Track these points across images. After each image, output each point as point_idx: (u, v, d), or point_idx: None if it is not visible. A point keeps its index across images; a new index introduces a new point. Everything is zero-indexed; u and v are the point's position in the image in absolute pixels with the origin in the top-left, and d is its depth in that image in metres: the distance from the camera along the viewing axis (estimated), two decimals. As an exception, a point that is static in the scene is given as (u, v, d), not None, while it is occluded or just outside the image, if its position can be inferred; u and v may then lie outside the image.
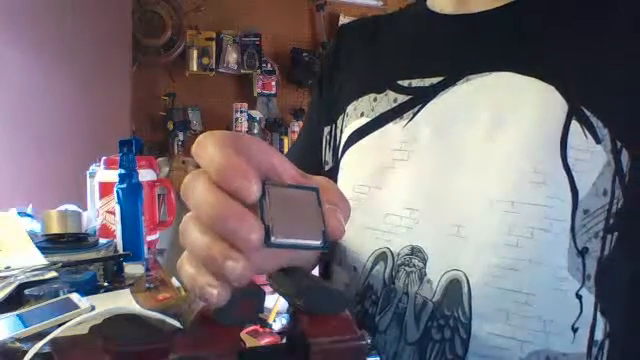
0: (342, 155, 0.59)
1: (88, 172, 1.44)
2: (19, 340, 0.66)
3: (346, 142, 0.59)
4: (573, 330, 0.44)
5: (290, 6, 3.35)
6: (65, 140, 2.26)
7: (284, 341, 0.35)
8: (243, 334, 0.32)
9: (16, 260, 0.97)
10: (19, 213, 1.31)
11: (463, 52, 0.53)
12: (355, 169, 0.57)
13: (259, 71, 3.21)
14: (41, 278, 0.91)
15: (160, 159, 2.69)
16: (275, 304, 2.81)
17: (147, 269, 1.10)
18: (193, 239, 0.29)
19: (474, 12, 0.54)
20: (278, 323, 2.84)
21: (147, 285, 1.01)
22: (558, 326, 0.44)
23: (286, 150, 3.29)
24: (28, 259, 0.98)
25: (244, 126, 3.10)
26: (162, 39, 2.97)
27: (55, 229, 1.13)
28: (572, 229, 0.44)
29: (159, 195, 1.43)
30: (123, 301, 0.89)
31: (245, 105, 3.12)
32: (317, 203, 0.31)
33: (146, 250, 1.20)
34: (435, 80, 0.53)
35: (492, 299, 0.45)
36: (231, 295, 0.29)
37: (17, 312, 0.75)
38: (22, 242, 1.05)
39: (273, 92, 3.28)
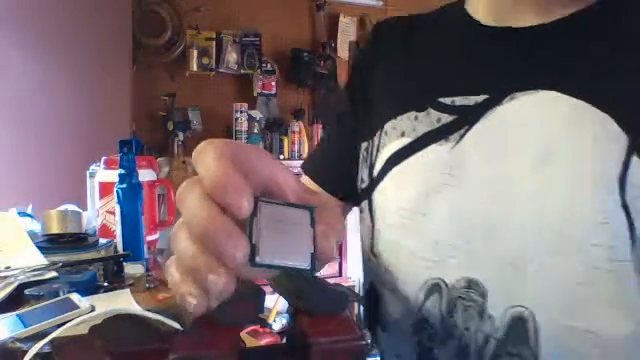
0: (382, 177, 0.56)
1: (88, 172, 1.44)
2: (19, 340, 0.66)
3: (386, 163, 0.56)
4: None
5: (290, 6, 3.36)
6: (65, 140, 2.26)
7: (284, 341, 0.35)
8: (243, 334, 0.32)
9: (16, 260, 0.97)
10: (19, 213, 1.31)
11: (507, 68, 0.50)
12: (398, 193, 0.54)
13: (259, 71, 3.21)
14: (41, 278, 0.91)
15: (160, 159, 2.69)
16: (275, 304, 2.81)
17: (147, 269, 1.10)
18: (181, 246, 0.30)
19: (519, 27, 0.51)
20: (278, 323, 2.84)
21: (147, 285, 1.01)
22: None
23: (286, 149, 3.29)
24: (28, 259, 0.98)
25: (244, 126, 3.10)
26: (162, 39, 2.98)
27: (55, 229, 1.13)
28: (636, 269, 0.41)
29: (159, 195, 1.43)
30: (123, 301, 0.89)
31: (245, 105, 3.12)
32: (310, 223, 0.31)
33: (146, 250, 1.20)
34: (480, 99, 0.50)
35: (562, 339, 0.42)
36: (231, 295, 0.29)
37: (17, 312, 0.75)
38: (22, 242, 1.05)
39: (273, 92, 3.28)
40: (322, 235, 0.31)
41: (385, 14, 3.60)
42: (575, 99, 0.44)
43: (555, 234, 0.43)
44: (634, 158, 0.41)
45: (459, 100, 0.51)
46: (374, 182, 0.57)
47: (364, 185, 0.60)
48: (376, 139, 0.58)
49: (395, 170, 0.55)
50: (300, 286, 0.32)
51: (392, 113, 0.57)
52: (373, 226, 0.57)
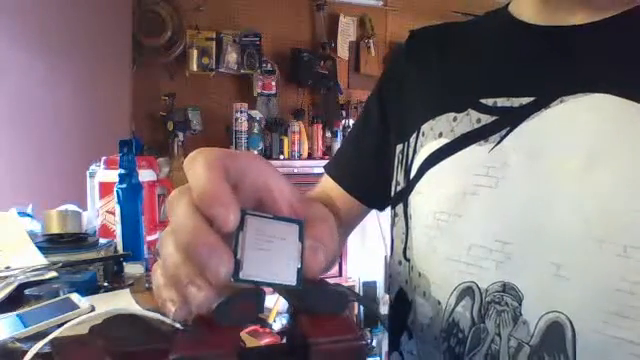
0: (419, 178, 0.55)
1: (88, 172, 1.44)
2: (19, 340, 0.66)
3: (423, 164, 0.55)
4: None
5: (290, 6, 3.35)
6: (65, 140, 2.26)
7: (284, 341, 0.35)
8: (243, 334, 0.32)
9: (16, 260, 0.97)
10: (19, 213, 1.31)
11: (556, 70, 0.48)
12: (434, 194, 0.53)
13: (259, 71, 3.21)
14: (41, 278, 0.91)
15: (160, 159, 2.68)
16: (275, 304, 2.81)
17: (147, 269, 1.10)
18: (167, 253, 0.30)
19: (568, 25, 0.48)
20: (278, 323, 2.84)
21: (147, 285, 1.01)
22: None
23: (286, 149, 3.29)
24: (28, 259, 0.98)
25: (244, 126, 3.10)
26: (162, 39, 2.97)
27: (55, 229, 1.13)
28: None
29: (159, 195, 1.42)
30: (123, 301, 0.89)
31: (245, 105, 3.12)
32: (298, 238, 0.30)
33: (146, 250, 1.20)
34: (524, 101, 0.48)
35: (602, 349, 0.41)
36: (231, 295, 0.29)
37: (17, 312, 0.75)
38: (22, 242, 1.05)
39: (273, 92, 3.28)
40: (310, 250, 0.30)
41: (385, 14, 3.60)
42: (628, 101, 0.42)
43: (598, 240, 0.41)
44: None
45: (501, 101, 0.49)
46: (411, 184, 0.56)
47: (400, 188, 0.58)
48: (412, 141, 0.57)
49: (431, 171, 0.53)
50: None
51: (430, 114, 0.55)
52: (407, 229, 0.56)
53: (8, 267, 0.94)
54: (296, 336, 0.31)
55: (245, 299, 0.30)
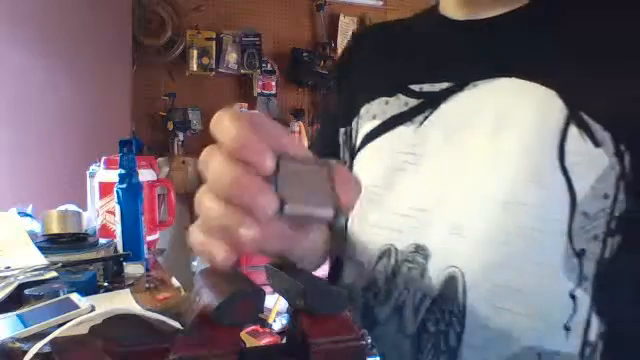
0: (355, 156, 0.62)
1: (88, 172, 1.44)
2: (19, 340, 0.66)
3: (360, 144, 0.61)
4: (565, 329, 0.44)
5: (290, 6, 3.36)
6: (65, 140, 2.26)
7: (284, 341, 0.35)
8: (243, 334, 0.32)
9: (16, 260, 0.97)
10: (19, 213, 1.31)
11: (471, 58, 0.55)
12: (367, 170, 0.59)
13: (259, 71, 3.21)
14: (41, 278, 0.91)
15: (160, 159, 2.68)
16: (275, 304, 2.81)
17: (147, 269, 1.10)
18: (208, 207, 0.31)
19: (482, 18, 0.55)
20: (278, 323, 2.84)
21: (147, 285, 1.01)
22: (550, 324, 0.45)
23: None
24: (28, 259, 0.98)
25: (244, 126, 3.09)
26: (162, 39, 2.97)
27: (55, 229, 1.13)
28: (569, 230, 0.44)
29: (159, 195, 1.43)
30: (123, 301, 0.89)
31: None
32: (328, 178, 0.32)
33: (146, 250, 1.20)
34: (444, 85, 0.55)
35: (484, 294, 0.47)
36: (231, 295, 0.29)
37: (17, 312, 0.75)
38: (22, 242, 1.05)
39: (273, 92, 3.28)
40: (341, 186, 0.32)
41: (385, 14, 3.60)
42: (527, 81, 0.49)
43: (493, 199, 0.48)
44: (571, 126, 0.46)
45: (427, 87, 0.56)
46: (353, 163, 0.63)
47: (346, 167, 0.64)
48: (354, 124, 0.64)
49: (365, 149, 0.60)
50: (300, 286, 0.32)
51: (367, 99, 0.62)
52: None
53: (8, 267, 0.94)
54: (296, 336, 0.31)
55: (245, 299, 0.30)
